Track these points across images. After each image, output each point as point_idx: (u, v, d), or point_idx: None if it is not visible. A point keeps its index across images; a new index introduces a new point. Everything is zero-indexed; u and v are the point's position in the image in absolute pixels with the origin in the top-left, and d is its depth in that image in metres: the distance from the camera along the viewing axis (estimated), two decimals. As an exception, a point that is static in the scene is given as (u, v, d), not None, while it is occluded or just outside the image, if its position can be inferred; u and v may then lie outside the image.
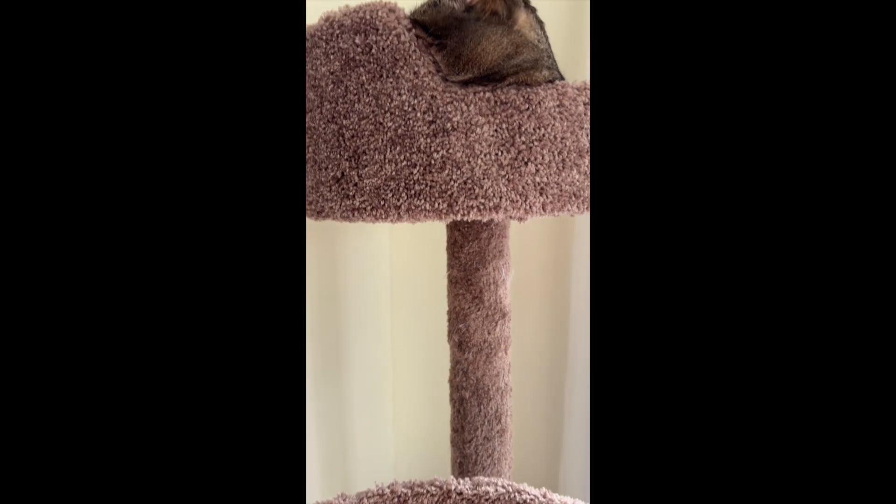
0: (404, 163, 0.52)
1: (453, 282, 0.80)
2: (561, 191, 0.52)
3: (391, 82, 0.52)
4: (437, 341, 1.27)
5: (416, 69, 0.51)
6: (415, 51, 0.50)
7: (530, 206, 0.52)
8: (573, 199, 0.53)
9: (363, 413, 1.17)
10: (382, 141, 0.53)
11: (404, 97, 0.51)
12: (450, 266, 0.80)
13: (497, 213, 0.52)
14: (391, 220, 0.55)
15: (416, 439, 1.23)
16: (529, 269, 1.08)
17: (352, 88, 0.54)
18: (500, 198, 0.51)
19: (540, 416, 1.14)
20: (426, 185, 0.52)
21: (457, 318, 0.81)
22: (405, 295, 1.19)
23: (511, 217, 0.54)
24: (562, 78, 0.53)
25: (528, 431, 1.11)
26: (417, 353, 1.22)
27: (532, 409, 1.13)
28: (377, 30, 0.51)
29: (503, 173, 0.51)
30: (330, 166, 0.57)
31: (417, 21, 0.51)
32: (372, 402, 1.18)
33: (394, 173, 0.53)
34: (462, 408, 0.83)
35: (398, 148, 0.53)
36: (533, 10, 0.52)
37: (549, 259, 1.11)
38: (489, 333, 0.79)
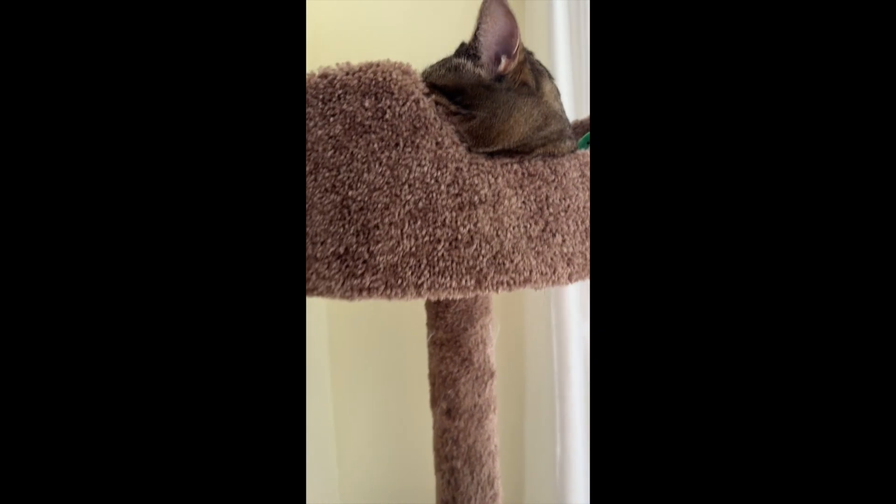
0: (426, 238, 0.47)
1: (438, 345, 0.75)
2: (585, 260, 0.51)
3: (410, 152, 0.47)
4: (382, 393, 1.19)
5: (438, 139, 0.47)
6: (435, 119, 0.46)
7: (558, 278, 0.50)
8: (595, 266, 0.52)
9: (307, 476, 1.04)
10: (399, 214, 0.48)
11: (426, 168, 0.47)
12: (433, 328, 0.75)
13: (527, 286, 0.50)
14: (408, 298, 0.50)
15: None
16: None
17: (359, 156, 0.48)
18: (531, 271, 0.49)
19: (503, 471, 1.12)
20: (452, 262, 0.48)
21: (443, 383, 0.76)
22: (346, 350, 1.11)
23: (536, 288, 0.52)
24: (578, 146, 0.52)
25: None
26: (361, 410, 1.13)
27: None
28: (391, 93, 0.46)
29: (532, 246, 0.49)
30: (329, 241, 0.50)
31: (436, 85, 0.47)
32: (315, 462, 1.06)
33: (413, 249, 0.48)
34: (453, 478, 0.77)
35: (419, 222, 0.47)
36: (552, 79, 0.51)
37: (500, 307, 1.11)
38: (479, 396, 0.75)
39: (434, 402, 0.77)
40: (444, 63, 0.48)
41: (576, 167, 0.50)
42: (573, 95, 0.99)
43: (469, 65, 0.46)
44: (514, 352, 1.12)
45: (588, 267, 0.51)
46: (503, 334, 1.13)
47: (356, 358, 1.12)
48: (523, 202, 0.48)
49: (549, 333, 1.04)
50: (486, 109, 0.45)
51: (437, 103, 0.46)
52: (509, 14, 0.44)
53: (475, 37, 0.46)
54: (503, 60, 0.46)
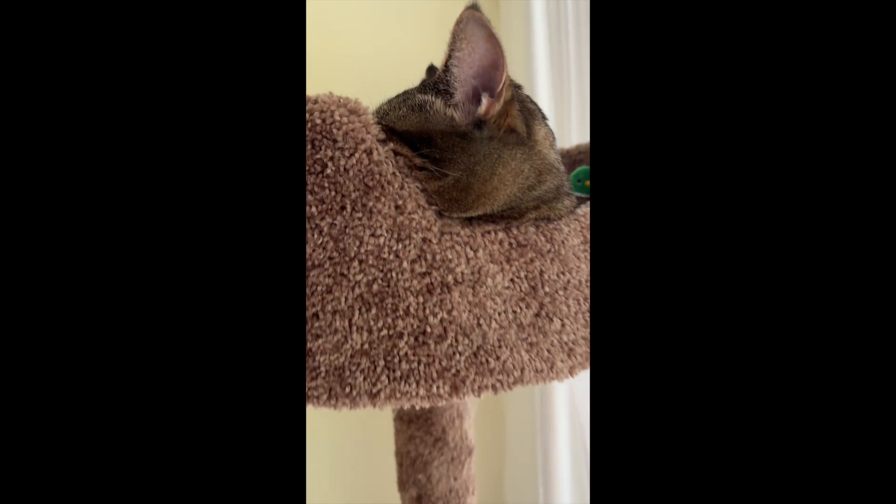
0: (384, 331, 0.36)
1: (405, 421, 0.63)
2: (589, 347, 0.41)
3: (360, 218, 0.35)
4: (348, 471, 1.04)
5: (398, 201, 0.35)
6: (394, 174, 0.35)
7: (557, 373, 0.39)
8: (600, 352, 0.41)
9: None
10: (347, 300, 0.36)
11: (382, 239, 0.35)
12: (399, 402, 0.63)
13: (517, 386, 0.38)
14: (361, 407, 0.38)
15: None
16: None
17: (292, 222, 0.35)
18: (522, 369, 0.38)
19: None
20: (419, 362, 0.36)
21: (413, 465, 0.63)
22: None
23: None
24: (578, 203, 0.41)
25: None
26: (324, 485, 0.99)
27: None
28: (334, 141, 0.34)
29: (524, 336, 0.38)
30: (254, 331, 0.37)
31: (395, 130, 0.35)
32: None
33: (366, 346, 0.36)
34: (427, 580, 0.65)
35: (373, 310, 0.35)
36: (545, 121, 0.40)
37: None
38: (455, 479, 0.64)
39: (402, 485, 0.65)
40: (404, 100, 0.36)
41: (576, 231, 0.39)
42: (554, 114, 0.89)
43: (438, 104, 0.35)
44: (493, 405, 1.01)
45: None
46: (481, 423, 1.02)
47: (316, 430, 0.98)
48: (512, 280, 0.37)
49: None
50: (461, 166, 0.34)
51: (396, 153, 0.35)
52: (492, 38, 0.32)
53: (446, 67, 0.34)
54: (484, 100, 0.34)
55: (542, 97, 0.87)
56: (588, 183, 0.62)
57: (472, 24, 0.31)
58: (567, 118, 0.88)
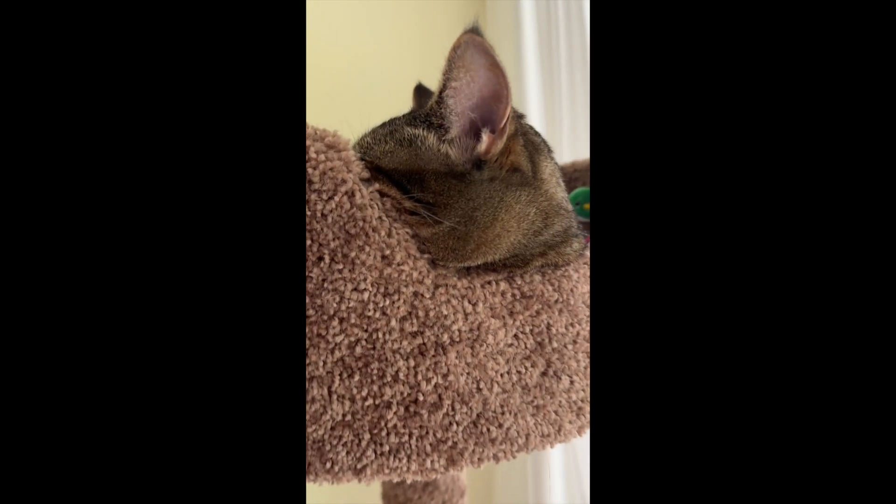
0: (370, 401, 0.31)
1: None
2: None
3: (341, 271, 0.30)
4: None
5: (385, 251, 0.30)
6: (381, 219, 0.30)
7: (565, 436, 0.35)
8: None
9: None
10: (326, 365, 0.31)
11: (367, 294, 0.30)
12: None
13: (521, 454, 0.34)
14: (344, 483, 0.33)
15: None
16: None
17: (261, 275, 0.30)
18: (527, 435, 0.33)
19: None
20: (409, 435, 0.31)
21: (401, 513, 0.59)
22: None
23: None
24: (587, 244, 0.37)
25: None
26: None
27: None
28: (311, 182, 0.29)
29: (529, 398, 0.33)
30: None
31: (381, 169, 0.30)
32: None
33: (349, 418, 0.31)
34: None
35: (357, 377, 0.31)
36: (551, 154, 0.35)
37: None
38: (447, 525, 0.59)
39: (389, 531, 0.61)
40: (391, 132, 0.31)
41: (586, 277, 0.35)
42: (545, 128, 0.85)
43: (431, 139, 0.30)
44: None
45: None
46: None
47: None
48: (515, 336, 0.33)
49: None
50: (458, 211, 0.29)
51: (382, 195, 0.30)
52: (495, 66, 0.27)
53: (441, 98, 0.29)
54: (485, 136, 0.30)
55: (532, 109, 0.83)
56: (588, 206, 0.57)
57: (472, 49, 0.26)
58: (559, 131, 0.84)
